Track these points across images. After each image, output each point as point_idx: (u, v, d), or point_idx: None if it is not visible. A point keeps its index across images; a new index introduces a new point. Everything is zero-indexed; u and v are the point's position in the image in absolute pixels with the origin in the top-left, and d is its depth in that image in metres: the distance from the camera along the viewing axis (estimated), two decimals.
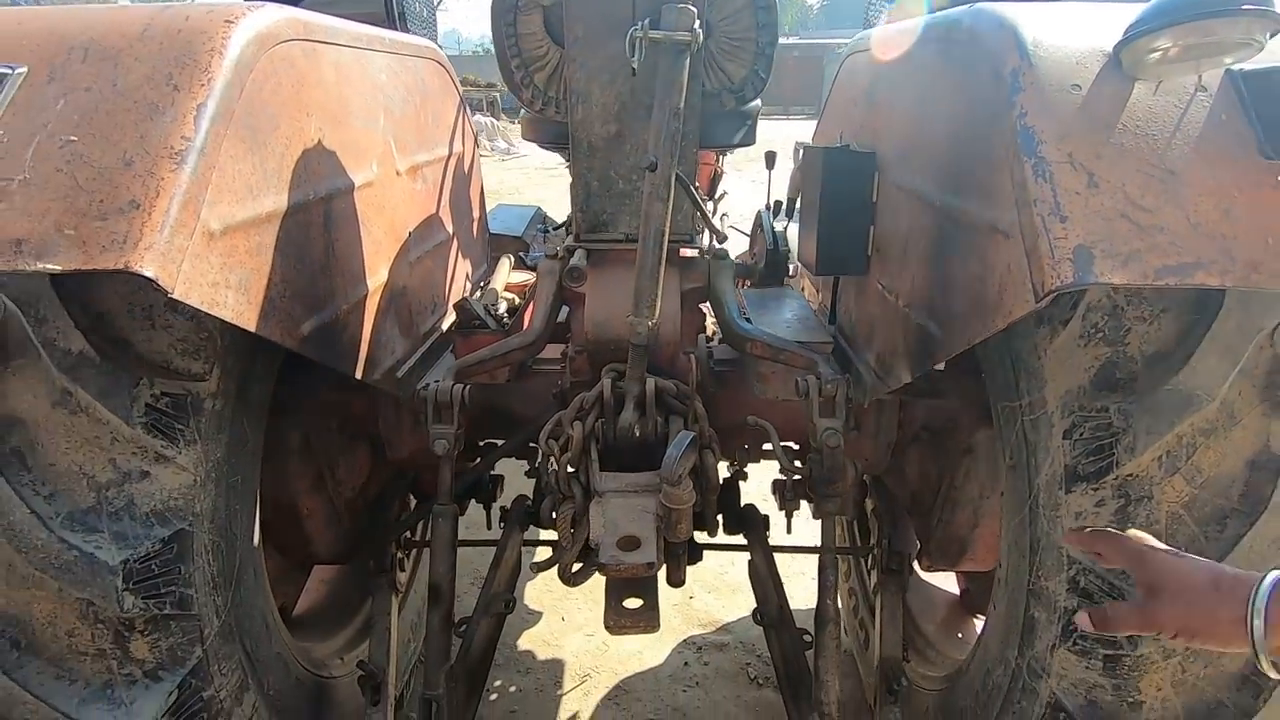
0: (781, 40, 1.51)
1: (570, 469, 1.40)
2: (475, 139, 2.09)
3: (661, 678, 2.14)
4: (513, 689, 2.11)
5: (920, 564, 1.76)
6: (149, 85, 0.88)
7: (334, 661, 1.58)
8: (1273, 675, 0.67)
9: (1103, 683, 0.96)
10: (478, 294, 1.84)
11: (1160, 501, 0.91)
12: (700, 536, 1.66)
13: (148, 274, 0.78)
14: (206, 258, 0.87)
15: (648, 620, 1.20)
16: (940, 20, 1.14)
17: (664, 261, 1.28)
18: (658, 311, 1.30)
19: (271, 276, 1.01)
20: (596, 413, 1.39)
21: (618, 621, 1.19)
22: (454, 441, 1.39)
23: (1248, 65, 0.82)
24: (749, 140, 1.65)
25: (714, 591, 2.47)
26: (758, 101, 1.64)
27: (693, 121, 1.36)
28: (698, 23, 1.17)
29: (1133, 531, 0.87)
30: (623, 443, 1.36)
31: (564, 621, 2.34)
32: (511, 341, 1.47)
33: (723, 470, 1.84)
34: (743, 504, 1.79)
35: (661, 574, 1.39)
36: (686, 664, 2.19)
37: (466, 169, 1.99)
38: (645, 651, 2.23)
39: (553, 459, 1.40)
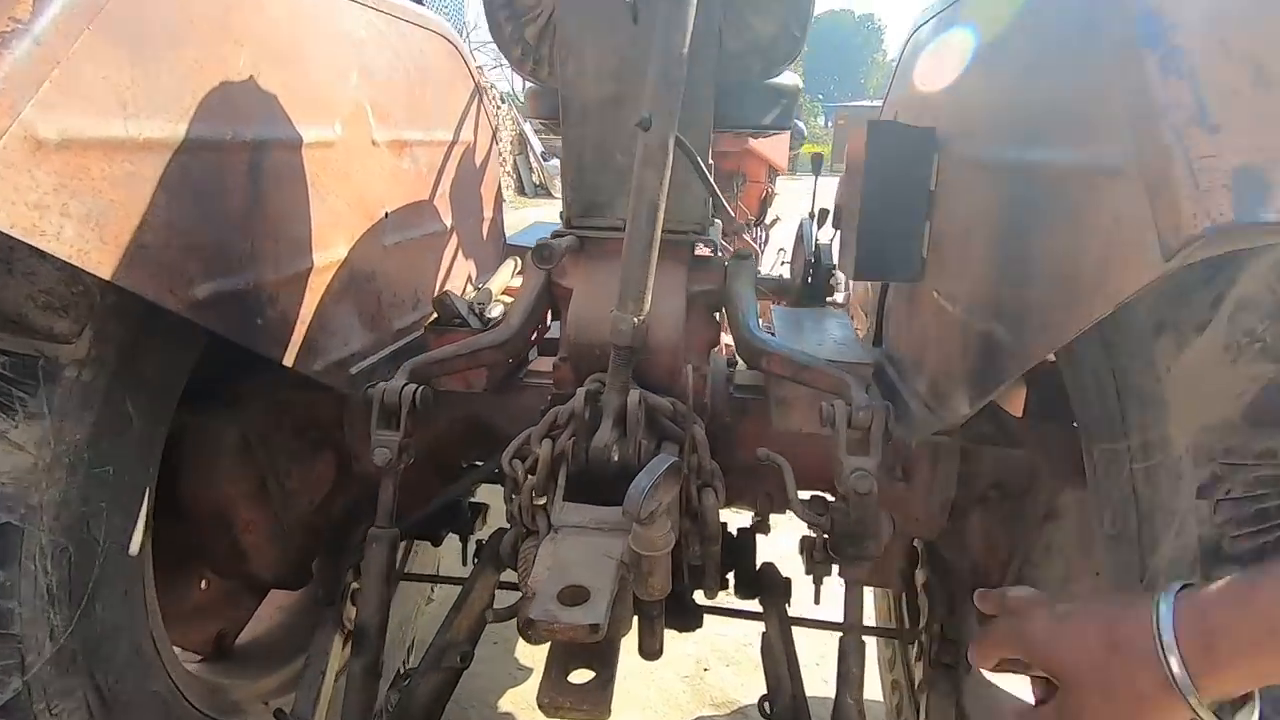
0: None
1: (536, 497, 1.14)
2: (494, 135, 1.92)
3: None
4: None
5: None
6: None
7: (256, 706, 1.34)
8: None
9: None
10: (471, 292, 1.64)
11: None
12: (717, 597, 1.36)
13: None
14: (28, 171, 0.69)
15: (594, 702, 0.90)
16: None
17: (657, 243, 1.03)
18: (647, 305, 1.05)
19: (149, 218, 0.82)
20: (572, 430, 1.14)
21: (554, 698, 0.91)
22: (398, 452, 1.16)
23: None
24: (784, 123, 1.40)
25: (733, 665, 2.12)
26: (797, 79, 1.40)
27: (705, 84, 1.13)
28: None
29: (1013, 590, 0.70)
30: (598, 468, 1.10)
31: None
32: (480, 340, 1.24)
33: (742, 520, 1.55)
34: (760, 563, 1.48)
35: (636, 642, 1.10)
36: None
37: (478, 163, 1.82)
38: None
39: (517, 484, 1.15)
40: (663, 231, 1.23)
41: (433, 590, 2.16)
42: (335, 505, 1.58)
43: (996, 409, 1.36)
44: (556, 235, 1.27)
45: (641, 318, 1.04)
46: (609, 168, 1.20)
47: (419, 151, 1.50)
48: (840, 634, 1.15)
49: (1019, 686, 1.55)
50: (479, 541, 1.55)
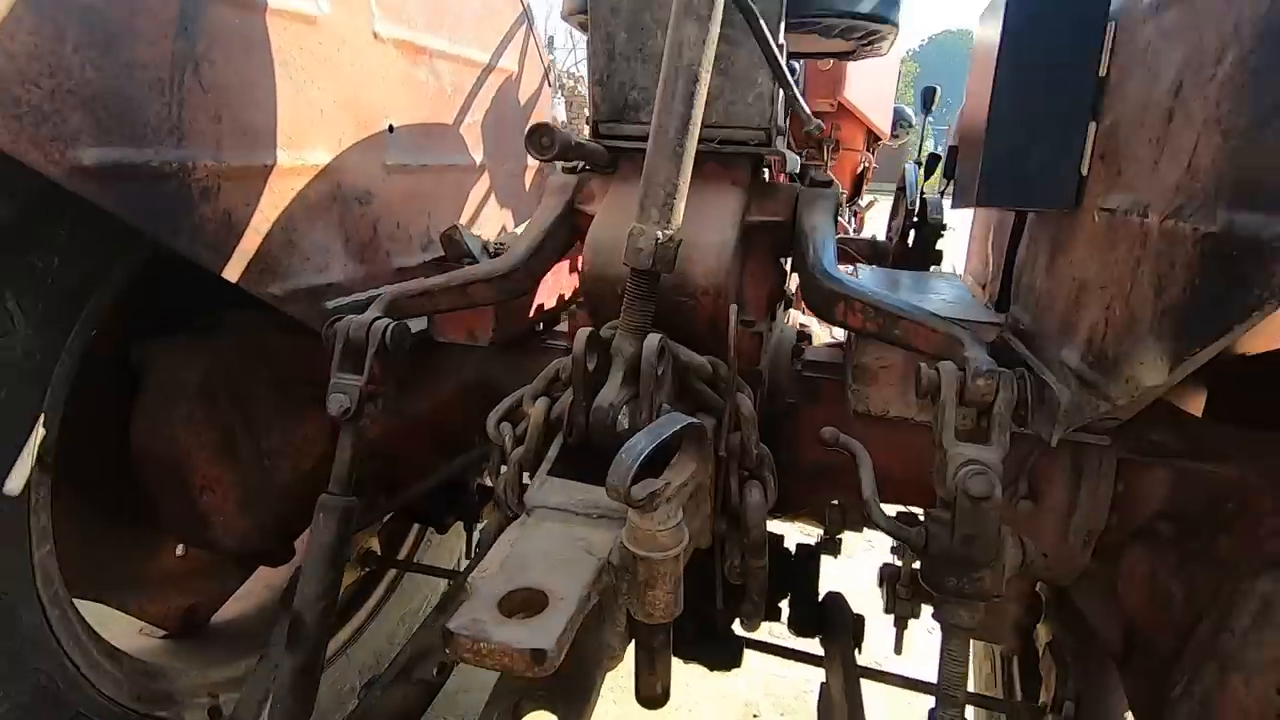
0: None
1: (525, 472, 0.88)
2: (546, 75, 1.69)
3: None
4: None
5: None
6: None
7: (197, 699, 1.14)
8: None
9: None
10: (501, 235, 1.40)
11: None
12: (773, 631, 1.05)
13: None
14: None
15: None
16: None
17: (695, 129, 0.75)
18: (678, 217, 0.77)
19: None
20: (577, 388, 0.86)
21: None
22: (360, 401, 0.92)
23: None
24: (887, 14, 1.08)
25: (788, 715, 1.76)
26: None
27: None
28: None
29: None
30: (602, 437, 0.82)
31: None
32: (473, 271, 0.99)
33: (805, 537, 1.23)
34: (825, 593, 1.15)
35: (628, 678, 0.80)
36: None
37: (522, 100, 1.59)
38: None
39: (504, 454, 0.89)
40: (716, 140, 0.95)
41: (449, 585, 1.93)
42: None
43: (1171, 408, 0.98)
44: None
45: (669, 233, 0.76)
46: (645, 54, 0.92)
47: (441, 65, 1.28)
48: (932, 699, 0.81)
49: None
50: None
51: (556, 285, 1.28)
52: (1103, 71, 0.79)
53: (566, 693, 0.67)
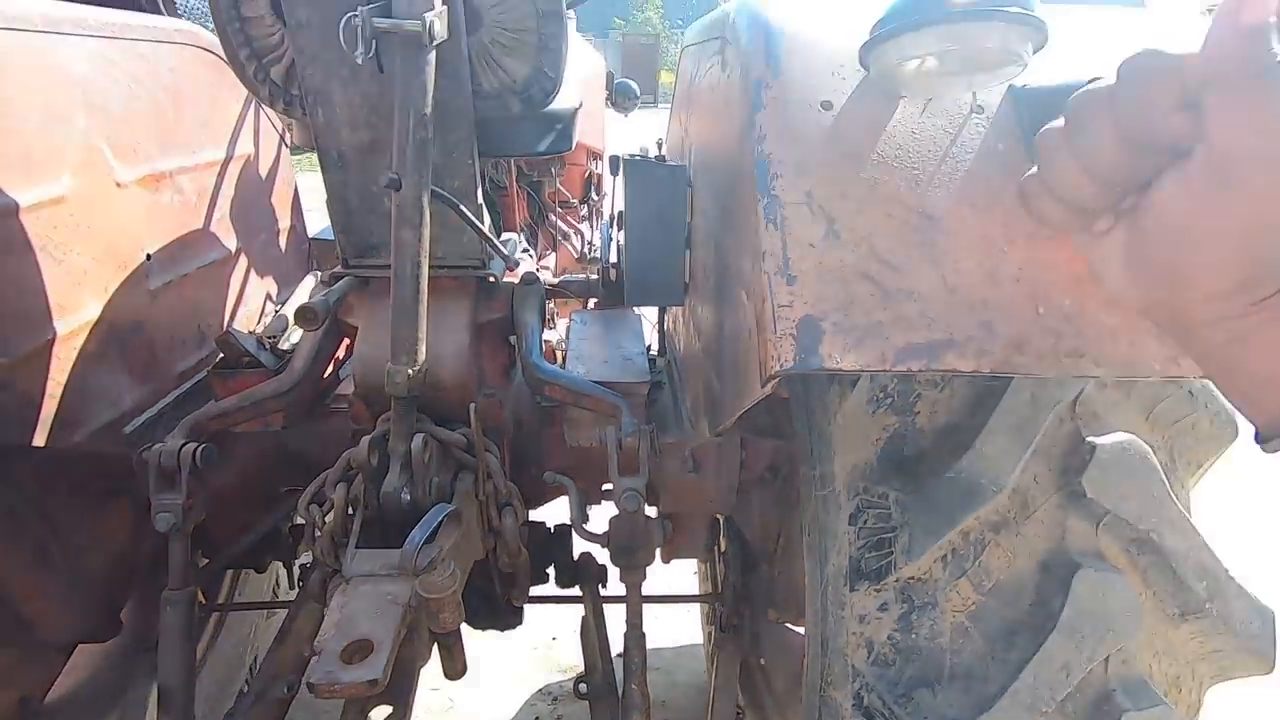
0: None
1: (336, 539, 1.18)
2: (281, 139, 1.81)
3: None
4: None
5: (769, 614, 1.61)
6: None
7: None
8: None
9: None
10: (270, 311, 1.59)
11: (945, 610, 0.76)
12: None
13: None
14: None
15: None
16: (723, 9, 0.95)
17: (424, 296, 1.06)
18: (422, 355, 1.09)
19: None
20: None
21: None
22: (184, 514, 1.15)
23: (1031, 83, 0.66)
24: (563, 145, 1.44)
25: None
26: (576, 102, 1.43)
27: (463, 128, 1.14)
28: (436, 11, 0.95)
29: None
30: (392, 511, 1.15)
31: None
32: (263, 390, 1.23)
33: (557, 514, 1.66)
34: (579, 554, 1.61)
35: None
36: (538, 718, 2.00)
37: (264, 174, 1.72)
38: (495, 704, 2.03)
39: (316, 528, 1.19)
40: (443, 268, 1.26)
41: (268, 615, 2.15)
42: (142, 546, 1.53)
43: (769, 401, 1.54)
44: (335, 276, 1.26)
45: (416, 369, 1.08)
46: (378, 211, 1.19)
47: (183, 180, 1.40)
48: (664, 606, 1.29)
49: None
50: (303, 566, 1.57)
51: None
52: (689, 218, 1.23)
53: (396, 689, 1.03)
